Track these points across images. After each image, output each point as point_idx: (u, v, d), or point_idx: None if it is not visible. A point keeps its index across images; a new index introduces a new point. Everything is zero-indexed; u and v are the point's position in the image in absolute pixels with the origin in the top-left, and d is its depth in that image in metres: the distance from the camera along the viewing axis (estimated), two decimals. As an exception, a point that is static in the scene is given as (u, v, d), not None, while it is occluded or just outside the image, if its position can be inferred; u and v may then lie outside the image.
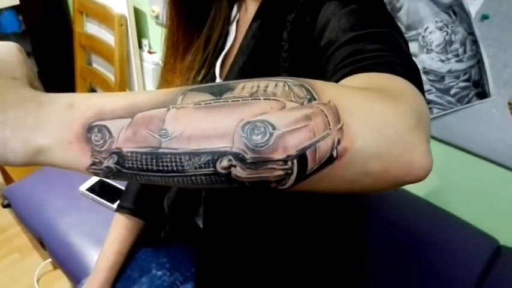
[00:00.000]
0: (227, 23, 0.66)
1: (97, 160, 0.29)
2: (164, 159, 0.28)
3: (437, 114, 1.01)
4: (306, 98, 0.29)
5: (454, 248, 1.02)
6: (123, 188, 0.88)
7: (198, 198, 0.75)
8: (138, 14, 1.70)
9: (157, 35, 1.73)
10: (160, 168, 0.29)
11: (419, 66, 0.97)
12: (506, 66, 0.86)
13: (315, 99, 0.29)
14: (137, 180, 0.30)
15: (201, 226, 0.73)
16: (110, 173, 0.30)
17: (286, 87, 0.29)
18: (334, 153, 0.28)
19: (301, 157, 0.27)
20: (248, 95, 0.29)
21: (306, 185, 0.29)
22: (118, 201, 0.86)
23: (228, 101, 0.29)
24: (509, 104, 0.89)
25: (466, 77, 0.92)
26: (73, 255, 1.02)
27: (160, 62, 1.72)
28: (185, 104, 0.29)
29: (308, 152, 0.27)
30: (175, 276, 0.84)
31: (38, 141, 0.29)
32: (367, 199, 0.90)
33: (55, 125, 0.30)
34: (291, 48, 0.53)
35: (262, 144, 0.27)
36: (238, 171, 0.27)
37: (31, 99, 0.30)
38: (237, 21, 0.65)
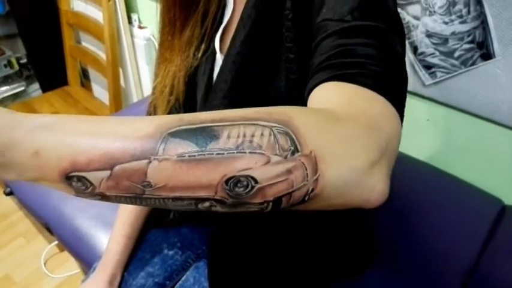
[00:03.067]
0: None
1: (81, 196, 0.31)
2: (149, 202, 0.30)
3: (441, 78, 0.99)
4: (290, 150, 0.30)
5: (459, 210, 1.03)
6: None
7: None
8: (125, -12, 1.64)
9: (146, 9, 1.69)
10: (144, 203, 0.31)
11: (423, 29, 0.95)
12: (511, 25, 0.84)
13: (298, 151, 0.30)
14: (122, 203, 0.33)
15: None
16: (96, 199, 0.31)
17: (272, 138, 0.30)
18: (306, 198, 0.31)
19: (277, 201, 0.30)
20: (234, 146, 0.29)
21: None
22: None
23: (213, 154, 0.28)
24: (514, 64, 0.88)
25: (470, 38, 0.90)
26: (82, 239, 1.02)
27: (151, 37, 1.68)
28: (167, 155, 0.28)
29: (283, 198, 0.30)
30: (187, 254, 0.84)
31: (17, 178, 0.30)
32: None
33: (29, 171, 0.30)
34: (295, 16, 0.51)
35: (244, 194, 0.29)
36: (218, 209, 0.30)
37: None
38: None
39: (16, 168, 0.29)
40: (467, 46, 0.92)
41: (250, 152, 0.29)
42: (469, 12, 0.88)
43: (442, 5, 0.91)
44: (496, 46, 0.88)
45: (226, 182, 0.28)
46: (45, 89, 2.08)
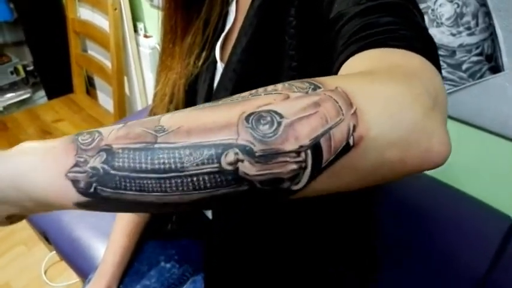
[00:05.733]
0: (226, 3, 0.62)
1: (81, 159, 0.26)
2: (161, 155, 0.25)
3: (449, 91, 0.97)
4: (309, 88, 0.26)
5: (466, 226, 1.00)
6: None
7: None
8: (131, -3, 1.65)
9: (152, 18, 1.69)
10: (156, 166, 0.25)
11: (429, 41, 0.93)
12: (521, 37, 0.82)
13: (320, 88, 0.26)
14: (125, 189, 0.25)
15: (210, 217, 0.71)
16: (94, 176, 0.25)
17: (286, 84, 0.27)
18: (351, 141, 0.25)
19: (315, 147, 0.25)
20: (247, 94, 0.27)
21: (319, 184, 0.26)
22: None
23: (227, 101, 0.27)
24: (524, 77, 0.86)
25: (478, 50, 0.89)
26: (79, 249, 1.01)
27: (157, 46, 1.68)
28: (181, 111, 0.28)
29: (322, 141, 0.25)
30: (184, 267, 0.83)
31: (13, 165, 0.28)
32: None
33: (36, 143, 0.28)
34: (300, 24, 0.50)
35: (271, 135, 0.24)
36: (247, 167, 0.24)
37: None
38: (237, 1, 0.61)
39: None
40: (475, 59, 0.90)
41: (265, 94, 0.26)
42: (477, 24, 0.86)
43: (450, 16, 0.89)
44: (505, 59, 0.86)
45: (247, 119, 0.25)
46: (50, 96, 2.09)
